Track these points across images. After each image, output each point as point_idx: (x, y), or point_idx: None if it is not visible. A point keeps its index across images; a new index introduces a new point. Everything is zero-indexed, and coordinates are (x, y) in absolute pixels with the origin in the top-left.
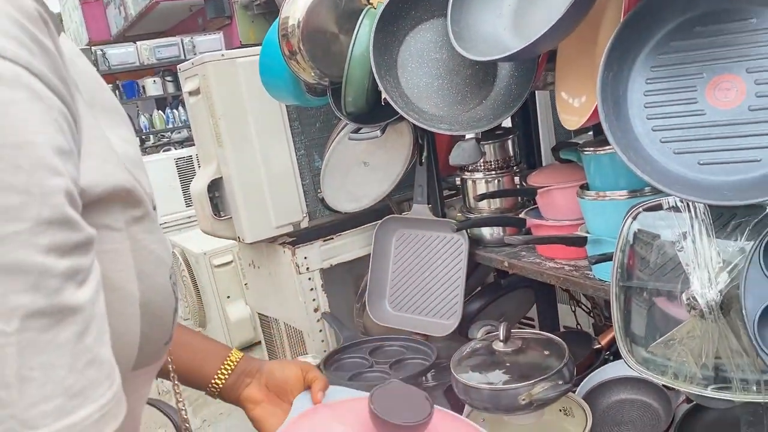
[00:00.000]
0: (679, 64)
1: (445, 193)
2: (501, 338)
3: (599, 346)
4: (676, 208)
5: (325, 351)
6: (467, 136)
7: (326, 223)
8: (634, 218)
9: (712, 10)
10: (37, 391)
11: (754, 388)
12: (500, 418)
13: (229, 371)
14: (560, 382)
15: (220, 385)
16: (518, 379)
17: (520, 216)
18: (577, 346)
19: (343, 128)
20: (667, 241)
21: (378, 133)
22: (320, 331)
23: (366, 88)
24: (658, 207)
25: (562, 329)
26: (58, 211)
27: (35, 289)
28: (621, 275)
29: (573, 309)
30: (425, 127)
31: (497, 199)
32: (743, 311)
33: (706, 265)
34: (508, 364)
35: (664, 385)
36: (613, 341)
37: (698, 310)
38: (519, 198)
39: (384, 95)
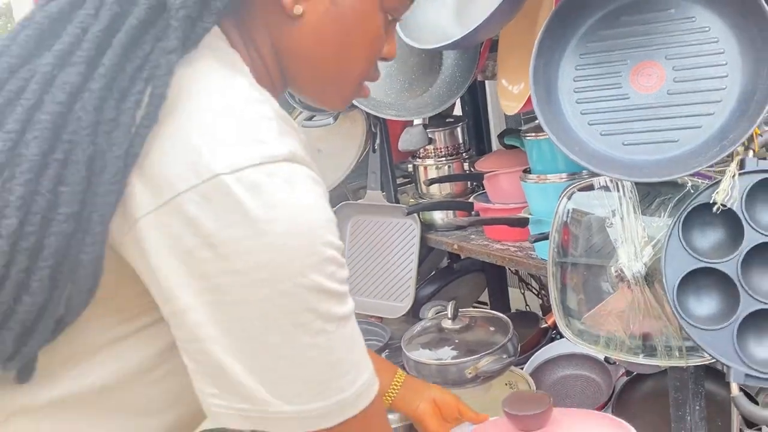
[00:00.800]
0: (605, 51)
1: (400, 180)
2: (449, 316)
3: (546, 325)
4: (606, 188)
5: None
6: (415, 122)
7: None
8: (569, 198)
9: (635, 0)
10: (349, 360)
11: (677, 353)
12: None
13: (399, 387)
14: (504, 356)
15: (391, 399)
16: (465, 354)
17: (469, 200)
18: (525, 326)
19: (297, 116)
20: (598, 219)
21: (331, 120)
22: None
23: None
24: (590, 187)
25: (513, 312)
26: (342, 260)
27: (341, 303)
28: (557, 252)
29: (522, 292)
30: (373, 112)
31: (448, 185)
32: (664, 281)
33: (633, 239)
34: (456, 341)
35: (605, 360)
36: None
37: (625, 281)
38: (469, 184)
39: None
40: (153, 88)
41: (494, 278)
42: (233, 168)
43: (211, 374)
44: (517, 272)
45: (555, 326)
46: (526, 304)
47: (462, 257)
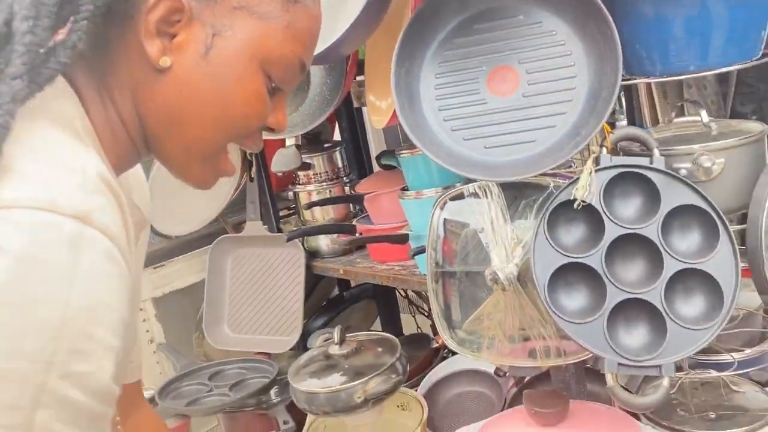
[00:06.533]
0: (462, 59)
1: (283, 213)
2: (336, 342)
3: (437, 345)
4: (475, 195)
5: None
6: (287, 143)
7: (156, 250)
8: (442, 208)
9: (486, 8)
10: None
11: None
12: (341, 422)
13: None
14: (393, 376)
15: None
16: (354, 379)
17: (352, 223)
18: (417, 348)
19: None
20: (471, 227)
21: None
22: (157, 363)
23: None
24: (460, 196)
25: (405, 335)
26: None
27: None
28: (435, 264)
29: (413, 315)
30: None
31: (331, 210)
32: (535, 279)
33: (503, 242)
34: (345, 366)
35: (495, 372)
36: None
37: (500, 284)
38: (352, 208)
39: None
40: None
41: (385, 304)
42: (4, 203)
43: None
44: (407, 296)
45: (446, 345)
46: (418, 327)
47: (352, 285)
